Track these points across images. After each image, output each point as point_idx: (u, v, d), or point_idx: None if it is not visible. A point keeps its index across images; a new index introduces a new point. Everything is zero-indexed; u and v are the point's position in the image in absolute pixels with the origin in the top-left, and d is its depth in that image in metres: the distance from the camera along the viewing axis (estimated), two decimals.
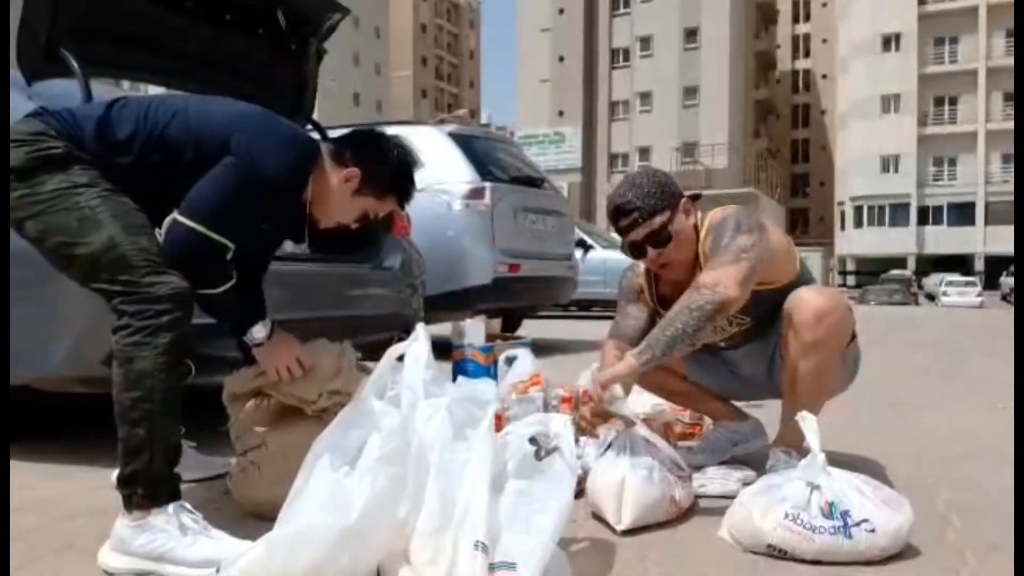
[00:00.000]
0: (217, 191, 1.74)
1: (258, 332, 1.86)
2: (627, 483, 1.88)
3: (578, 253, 8.16)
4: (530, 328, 6.95)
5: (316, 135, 2.02)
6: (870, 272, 43.98)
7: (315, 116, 3.48)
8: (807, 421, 1.78)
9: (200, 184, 1.74)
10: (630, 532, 1.86)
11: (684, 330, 1.96)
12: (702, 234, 2.15)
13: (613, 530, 1.87)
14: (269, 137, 1.80)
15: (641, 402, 2.60)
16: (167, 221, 1.75)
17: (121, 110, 1.82)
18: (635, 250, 2.15)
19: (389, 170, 1.93)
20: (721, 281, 1.98)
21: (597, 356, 2.62)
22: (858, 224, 49.70)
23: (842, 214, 52.01)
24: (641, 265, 2.31)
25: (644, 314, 2.33)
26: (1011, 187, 42.20)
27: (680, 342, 1.97)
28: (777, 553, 1.70)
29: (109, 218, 1.68)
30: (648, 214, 2.07)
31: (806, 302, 2.09)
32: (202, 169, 1.76)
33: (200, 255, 1.73)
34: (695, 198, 2.19)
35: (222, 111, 1.86)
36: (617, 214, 2.11)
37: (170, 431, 1.65)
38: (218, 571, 1.40)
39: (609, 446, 2.02)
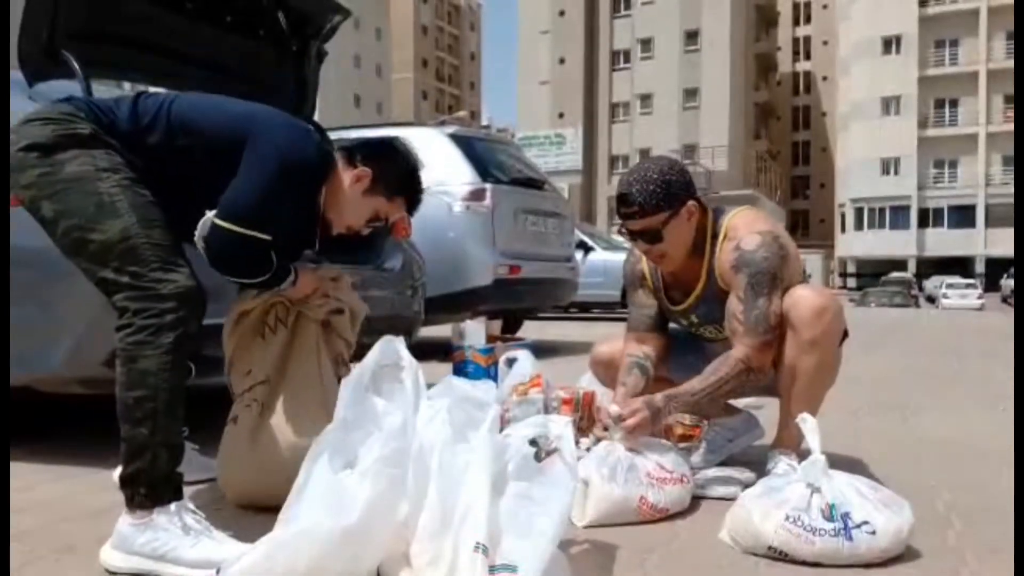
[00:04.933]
0: (250, 187, 1.78)
1: (286, 286, 1.97)
2: (591, 482, 1.93)
3: (578, 255, 8.16)
4: (530, 330, 6.95)
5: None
6: (870, 274, 44.01)
7: (316, 118, 3.48)
8: (807, 423, 1.78)
9: (234, 183, 1.78)
10: (630, 535, 1.86)
11: (711, 393, 2.12)
12: (720, 237, 2.19)
13: (613, 532, 1.88)
14: (292, 129, 1.86)
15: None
16: (203, 222, 1.79)
17: (146, 100, 1.89)
18: (630, 236, 2.22)
19: (399, 171, 2.01)
20: (754, 358, 2.11)
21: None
22: (858, 226, 49.70)
23: (842, 216, 52.03)
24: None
25: (652, 299, 2.38)
26: (1011, 189, 42.19)
27: (701, 404, 2.14)
28: (777, 555, 1.70)
29: (127, 208, 1.69)
30: (645, 212, 2.13)
31: (804, 299, 2.11)
32: (220, 158, 1.80)
33: (242, 256, 1.81)
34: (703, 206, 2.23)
35: (240, 105, 1.94)
36: (619, 200, 2.18)
37: (174, 430, 1.65)
38: (219, 572, 1.40)
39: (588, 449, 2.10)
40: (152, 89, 2.00)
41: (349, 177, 1.95)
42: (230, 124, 1.85)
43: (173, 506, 1.61)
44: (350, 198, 1.96)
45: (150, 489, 1.61)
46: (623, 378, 2.29)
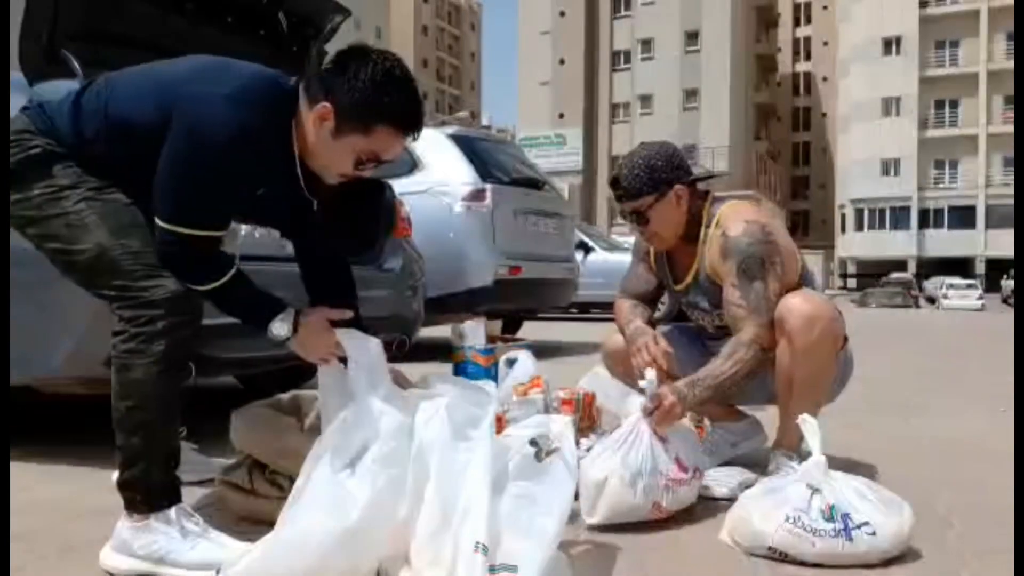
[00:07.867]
0: (175, 182, 1.58)
1: (278, 329, 1.64)
2: (608, 484, 1.89)
3: (578, 255, 8.17)
4: (530, 330, 6.95)
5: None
6: (871, 275, 43.94)
7: None
8: (808, 424, 1.78)
9: (156, 181, 1.59)
10: (630, 535, 1.86)
11: (733, 376, 2.10)
12: (712, 224, 2.23)
13: (613, 533, 1.87)
14: (211, 101, 1.57)
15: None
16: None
17: (87, 102, 1.71)
18: (623, 215, 2.31)
19: (364, 92, 1.55)
20: (765, 337, 2.13)
21: (599, 359, 2.63)
22: (859, 227, 49.70)
23: (843, 217, 52.01)
24: None
25: (651, 276, 2.46)
26: (1012, 190, 42.16)
27: (724, 389, 2.12)
28: (778, 556, 1.70)
29: (96, 221, 1.63)
30: (630, 196, 2.23)
31: (797, 308, 2.10)
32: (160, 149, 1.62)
33: (187, 256, 1.60)
34: (699, 180, 2.29)
35: (163, 78, 1.68)
36: (611, 183, 2.30)
37: (167, 438, 1.64)
38: (219, 572, 1.40)
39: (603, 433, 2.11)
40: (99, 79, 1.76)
41: (312, 117, 1.60)
42: (152, 109, 1.62)
43: (171, 510, 1.61)
44: (320, 142, 1.62)
45: (146, 495, 1.61)
46: (630, 316, 2.37)
